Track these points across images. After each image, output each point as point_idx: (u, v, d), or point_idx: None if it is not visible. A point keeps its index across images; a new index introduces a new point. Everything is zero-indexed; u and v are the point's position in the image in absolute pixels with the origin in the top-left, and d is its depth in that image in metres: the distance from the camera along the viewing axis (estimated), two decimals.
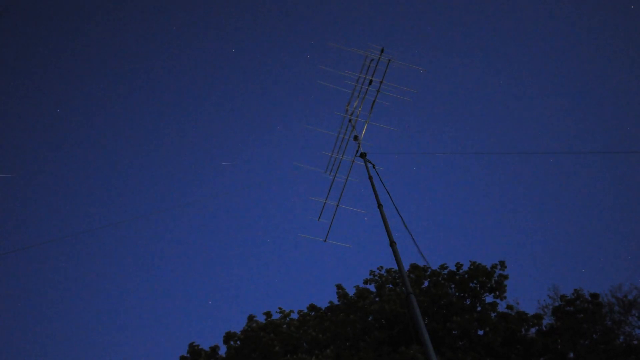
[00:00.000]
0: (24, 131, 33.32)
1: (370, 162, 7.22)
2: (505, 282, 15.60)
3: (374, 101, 7.76)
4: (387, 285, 16.80)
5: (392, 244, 5.69)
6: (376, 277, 17.30)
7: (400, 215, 6.47)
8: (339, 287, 17.18)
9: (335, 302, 16.93)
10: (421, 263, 16.74)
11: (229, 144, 38.48)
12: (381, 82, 7.66)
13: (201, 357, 15.78)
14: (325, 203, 7.43)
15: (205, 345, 16.23)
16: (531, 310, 14.71)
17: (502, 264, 15.82)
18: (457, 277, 15.93)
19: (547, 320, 14.66)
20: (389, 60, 7.55)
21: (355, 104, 7.94)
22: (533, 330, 14.40)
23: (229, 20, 36.35)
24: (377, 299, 16.02)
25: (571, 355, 12.97)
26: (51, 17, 32.24)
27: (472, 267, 15.79)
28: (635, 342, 13.12)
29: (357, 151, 7.52)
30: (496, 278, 15.59)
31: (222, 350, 16.11)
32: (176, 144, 37.44)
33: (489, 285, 15.60)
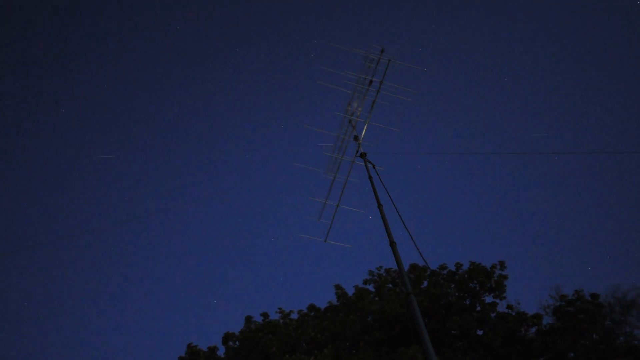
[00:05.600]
0: (22, 130, 33.29)
1: (370, 162, 7.18)
2: (505, 282, 15.59)
3: (374, 101, 7.73)
4: (387, 285, 16.79)
5: (392, 244, 5.66)
6: (375, 277, 17.28)
7: (400, 216, 6.44)
8: (337, 287, 17.17)
9: (335, 302, 16.93)
10: (421, 263, 16.75)
11: (230, 144, 38.44)
12: (381, 82, 7.64)
13: (200, 358, 15.76)
14: (325, 203, 7.40)
15: (204, 346, 16.22)
16: (533, 311, 14.70)
17: (502, 264, 15.81)
18: (456, 277, 15.93)
19: (547, 320, 14.66)
20: (389, 60, 7.53)
21: (356, 104, 7.91)
22: (533, 330, 14.40)
23: (232, 20, 36.34)
24: (376, 299, 16.02)
25: (571, 355, 12.96)
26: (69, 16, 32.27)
27: (471, 267, 15.79)
28: (636, 342, 13.12)
29: (357, 151, 7.48)
30: (496, 278, 15.58)
31: (221, 351, 16.10)
32: (177, 143, 37.40)
33: (488, 286, 15.59)
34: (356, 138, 7.61)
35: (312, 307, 16.93)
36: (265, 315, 16.48)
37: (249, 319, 16.41)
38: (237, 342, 15.86)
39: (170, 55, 35.93)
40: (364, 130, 7.70)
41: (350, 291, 16.86)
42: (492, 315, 14.68)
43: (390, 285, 16.83)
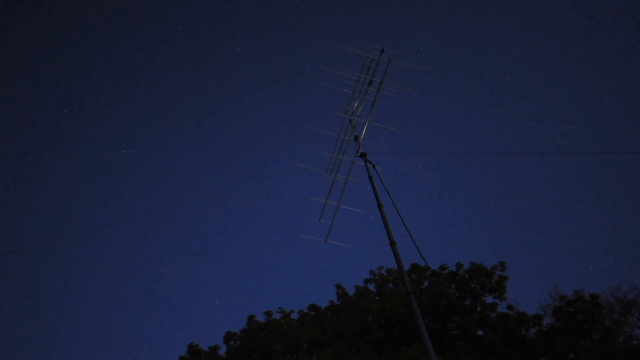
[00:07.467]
0: (23, 130, 33.40)
1: (370, 162, 7.19)
2: (505, 283, 15.64)
3: (374, 101, 7.75)
4: (388, 285, 16.81)
5: (392, 243, 5.68)
6: (376, 277, 17.30)
7: (400, 216, 6.45)
8: (338, 286, 17.20)
9: (335, 301, 16.95)
10: (422, 263, 16.77)
11: (230, 144, 38.49)
12: (381, 83, 7.65)
13: (200, 357, 15.79)
14: (325, 203, 7.41)
15: (205, 346, 16.24)
16: (532, 311, 14.74)
17: (502, 265, 15.85)
18: (457, 277, 15.96)
19: (547, 321, 14.68)
20: (389, 60, 7.54)
21: (356, 104, 7.93)
22: (533, 330, 14.41)
23: (232, 20, 36.40)
24: (376, 298, 16.05)
25: (571, 355, 12.97)
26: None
27: (472, 267, 15.82)
28: (635, 342, 13.13)
29: (357, 151, 7.50)
30: (496, 279, 15.62)
31: (223, 350, 16.13)
32: (179, 143, 37.46)
33: (489, 286, 15.62)
34: (356, 138, 7.62)
35: (312, 307, 16.96)
36: (268, 313, 16.50)
37: (251, 318, 16.44)
38: (238, 342, 15.89)
39: (171, 55, 36.00)
40: (364, 130, 7.72)
41: (350, 291, 16.91)
42: (493, 315, 14.70)
43: (391, 285, 16.85)
